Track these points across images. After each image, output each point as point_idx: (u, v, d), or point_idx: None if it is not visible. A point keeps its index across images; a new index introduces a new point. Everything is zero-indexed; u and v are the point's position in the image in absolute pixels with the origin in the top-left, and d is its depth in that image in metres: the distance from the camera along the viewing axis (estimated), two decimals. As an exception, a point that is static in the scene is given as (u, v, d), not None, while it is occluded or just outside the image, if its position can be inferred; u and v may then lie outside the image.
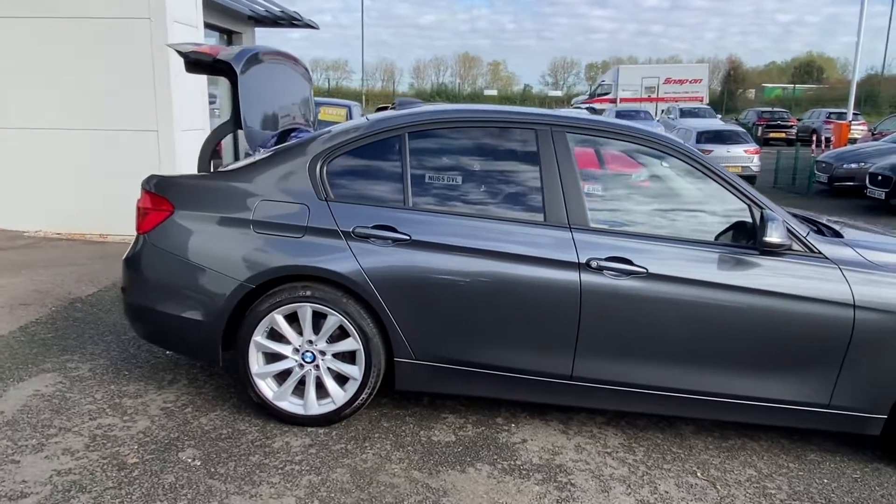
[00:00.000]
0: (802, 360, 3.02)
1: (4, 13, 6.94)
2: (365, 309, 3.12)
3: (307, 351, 3.18)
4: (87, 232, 7.23)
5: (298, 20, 12.13)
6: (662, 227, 3.17)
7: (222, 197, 3.24)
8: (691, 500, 2.83)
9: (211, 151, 3.58)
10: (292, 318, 3.16)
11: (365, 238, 3.10)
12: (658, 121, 22.21)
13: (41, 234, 7.23)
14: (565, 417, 3.49)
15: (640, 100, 35.07)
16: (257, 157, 3.43)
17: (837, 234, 3.36)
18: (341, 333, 3.16)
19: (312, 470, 2.90)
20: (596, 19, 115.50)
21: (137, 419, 3.28)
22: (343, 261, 3.08)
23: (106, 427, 3.19)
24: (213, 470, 2.87)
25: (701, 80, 38.31)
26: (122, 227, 6.90)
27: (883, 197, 10.66)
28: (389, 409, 3.48)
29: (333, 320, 3.12)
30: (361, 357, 3.15)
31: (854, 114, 21.31)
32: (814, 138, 17.11)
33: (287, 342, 3.19)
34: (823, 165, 12.79)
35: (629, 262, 3.01)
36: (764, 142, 23.38)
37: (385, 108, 9.92)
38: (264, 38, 12.55)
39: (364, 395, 3.19)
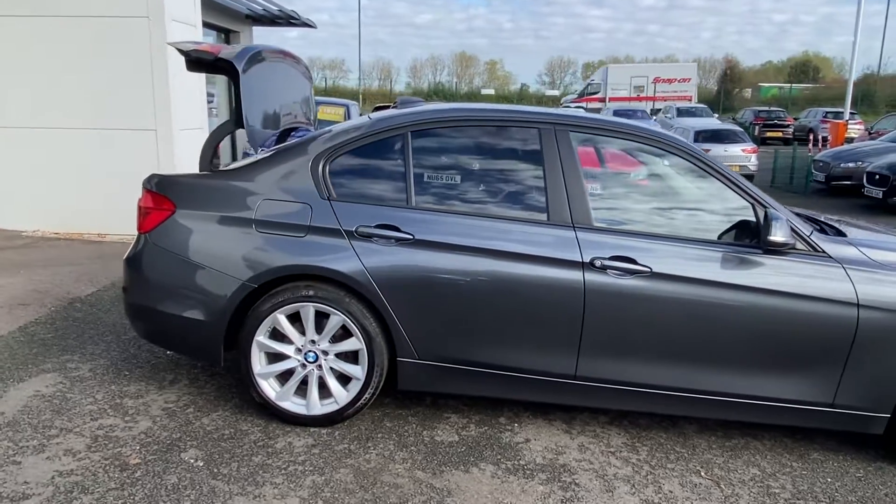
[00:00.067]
0: (806, 360, 3.02)
1: (2, 12, 6.91)
2: (368, 308, 3.11)
3: (310, 351, 3.17)
4: (86, 231, 7.20)
5: (296, 19, 12.11)
6: (666, 226, 3.16)
7: (224, 196, 3.23)
8: (696, 500, 2.82)
9: (213, 150, 3.56)
10: (295, 318, 3.15)
11: (368, 237, 3.09)
12: (655, 120, 22.24)
13: (39, 233, 7.20)
14: (568, 417, 3.49)
15: (630, 99, 35.08)
16: (259, 156, 3.41)
17: (840, 233, 3.36)
18: (344, 333, 3.15)
19: (316, 470, 2.89)
20: (593, 19, 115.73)
21: (139, 419, 3.26)
22: (346, 260, 3.07)
23: (107, 427, 3.17)
24: (216, 470, 2.85)
25: (690, 79, 38.34)
26: (121, 226, 6.88)
27: (880, 196, 10.69)
28: (392, 409, 3.47)
29: (336, 320, 3.11)
30: (364, 357, 3.13)
31: (851, 113, 21.37)
32: (811, 137, 17.18)
33: (289, 342, 3.17)
34: (821, 164, 12.82)
35: (633, 261, 3.01)
36: (761, 141, 23.43)
37: (383, 108, 9.91)
38: (261, 36, 12.54)
39: (367, 395, 3.18)
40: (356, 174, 3.22)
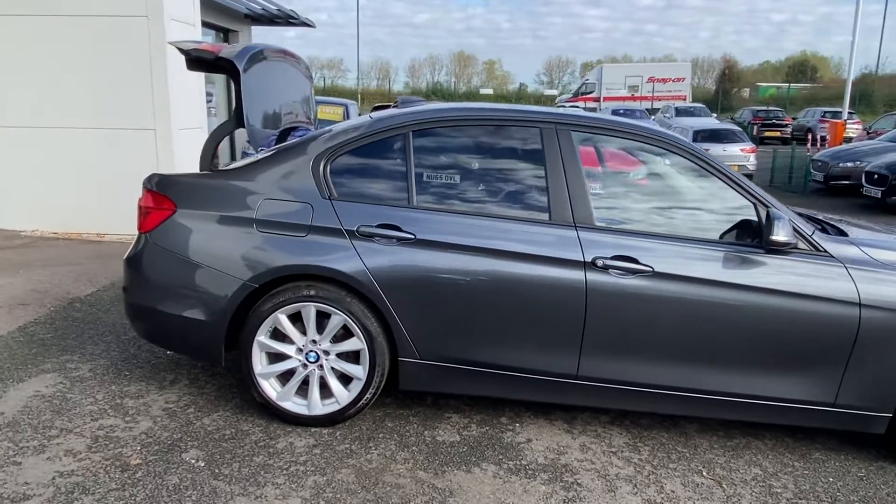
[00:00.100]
0: (808, 359, 3.02)
1: (1, 11, 6.89)
2: (369, 308, 3.10)
3: (311, 351, 3.16)
4: (85, 231, 7.18)
5: (295, 19, 12.10)
6: (668, 225, 3.16)
7: (225, 196, 3.22)
8: (698, 500, 2.82)
9: (213, 150, 3.55)
10: (296, 318, 3.14)
11: (369, 237, 3.08)
12: (653, 119, 22.25)
13: (38, 233, 7.18)
14: (569, 417, 3.48)
15: (624, 98, 35.08)
16: (259, 155, 3.40)
17: (842, 233, 3.36)
18: (345, 333, 3.14)
19: (317, 471, 2.89)
20: (591, 18, 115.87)
21: (139, 420, 3.25)
22: (347, 260, 3.06)
23: (108, 428, 3.16)
24: (217, 471, 2.85)
25: (684, 78, 38.33)
26: (120, 226, 6.88)
27: (879, 195, 10.70)
28: (393, 409, 3.47)
29: (337, 320, 3.10)
30: (365, 357, 3.13)
31: (849, 113, 21.39)
32: (809, 137, 17.20)
33: (291, 342, 3.17)
34: (819, 164, 12.84)
35: (635, 260, 3.00)
36: (759, 141, 23.44)
37: (382, 107, 9.90)
38: (260, 36, 12.53)
39: (368, 395, 3.17)
40: (357, 174, 3.21)
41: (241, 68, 3.32)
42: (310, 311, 3.10)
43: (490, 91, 59.52)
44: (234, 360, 3.30)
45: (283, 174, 3.21)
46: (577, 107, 28.30)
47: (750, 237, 3.09)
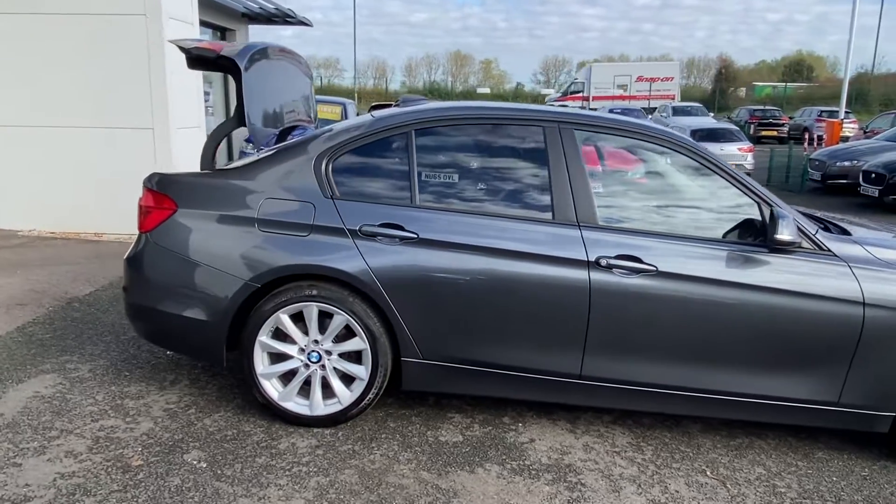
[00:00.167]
0: (812, 358, 3.01)
1: (-3, 9, 6.86)
2: (372, 308, 3.09)
3: (313, 351, 3.15)
4: (82, 231, 7.15)
5: (292, 17, 12.08)
6: (671, 224, 3.15)
7: (226, 195, 3.20)
8: (702, 500, 2.81)
9: (214, 149, 3.52)
10: (298, 318, 3.13)
11: (372, 236, 3.07)
12: (650, 118, 22.27)
13: (35, 233, 7.15)
14: (572, 417, 3.47)
15: (613, 97, 35.07)
16: (260, 154, 3.39)
17: (845, 232, 3.35)
18: (347, 333, 3.12)
19: (320, 471, 2.87)
20: (587, 18, 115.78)
21: (140, 421, 3.23)
22: (350, 259, 3.05)
23: (108, 429, 3.14)
24: (219, 472, 2.83)
25: (672, 77, 38.32)
26: (118, 226, 6.86)
27: (876, 194, 10.73)
28: (395, 410, 3.45)
29: (340, 320, 3.09)
30: (368, 357, 3.11)
31: (846, 112, 21.43)
32: (806, 136, 17.23)
33: (292, 342, 3.15)
34: (817, 163, 12.87)
35: (638, 260, 2.99)
36: (756, 140, 23.48)
37: (380, 107, 9.87)
38: (257, 35, 12.51)
39: (371, 396, 3.16)
40: (359, 173, 3.20)
41: (242, 67, 3.29)
42: (312, 310, 3.09)
43: (487, 90, 59.49)
44: (236, 361, 3.28)
45: (285, 173, 3.19)
46: (566, 105, 28.31)
47: (753, 236, 3.08)
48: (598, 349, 3.05)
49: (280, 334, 3.15)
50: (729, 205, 3.16)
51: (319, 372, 3.17)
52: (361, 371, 3.14)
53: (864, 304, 2.94)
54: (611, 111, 20.52)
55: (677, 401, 3.11)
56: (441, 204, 3.14)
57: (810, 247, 3.03)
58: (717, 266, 3.00)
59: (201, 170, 3.54)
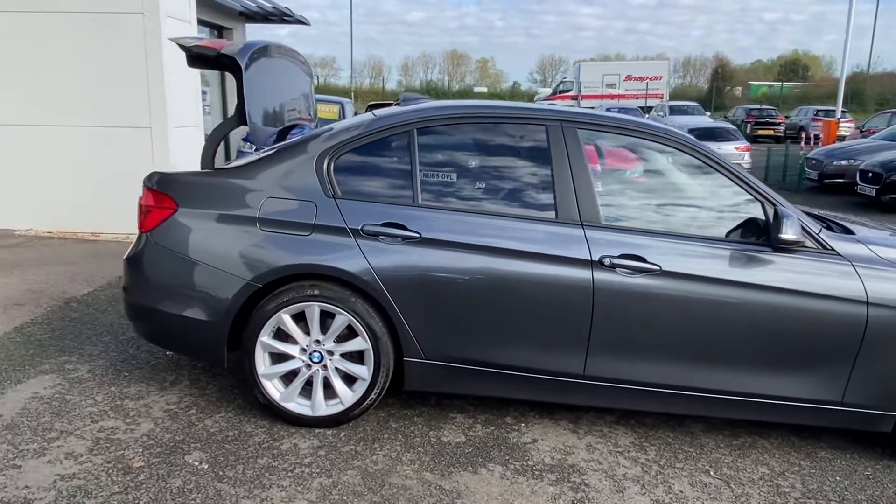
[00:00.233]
0: (815, 358, 3.00)
1: (-7, 7, 6.82)
2: (374, 308, 3.07)
3: (315, 351, 3.13)
4: (79, 230, 7.11)
5: (289, 16, 12.04)
6: (675, 224, 3.14)
7: (227, 194, 3.18)
8: (707, 500, 2.81)
9: (215, 148, 3.50)
10: (299, 318, 3.11)
11: (374, 236, 3.05)
12: (647, 118, 22.27)
13: (32, 232, 7.11)
14: (574, 416, 3.46)
15: (602, 97, 35.06)
16: (261, 153, 3.36)
17: (847, 231, 3.35)
18: (349, 333, 3.11)
19: (323, 472, 2.85)
20: (584, 17, 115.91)
21: (140, 421, 3.21)
22: (352, 259, 3.03)
23: (109, 430, 3.12)
24: (221, 473, 2.81)
25: (661, 76, 38.27)
26: (116, 225, 6.83)
27: (873, 193, 10.74)
28: (397, 410, 3.44)
29: (342, 320, 3.07)
30: (370, 357, 3.10)
31: (842, 111, 21.47)
32: (802, 135, 17.25)
33: (294, 342, 3.13)
34: (814, 162, 12.88)
35: (642, 259, 2.98)
36: (752, 139, 23.50)
37: (377, 106, 9.84)
38: (254, 33, 12.46)
39: (373, 396, 3.14)
40: (361, 172, 3.18)
41: (242, 65, 3.28)
42: (314, 310, 3.07)
43: (484, 89, 59.49)
44: (237, 361, 3.26)
45: (286, 172, 3.17)
46: (555, 104, 28.29)
47: (756, 235, 3.07)
48: (602, 349, 3.04)
49: (281, 334, 3.13)
50: (732, 204, 3.15)
51: (321, 372, 3.15)
52: (363, 371, 3.12)
53: (867, 303, 2.94)
54: (608, 110, 20.56)
55: (680, 400, 3.10)
56: (443, 203, 3.13)
57: (814, 246, 3.02)
58: (721, 265, 2.99)
59: (202, 169, 3.52)
